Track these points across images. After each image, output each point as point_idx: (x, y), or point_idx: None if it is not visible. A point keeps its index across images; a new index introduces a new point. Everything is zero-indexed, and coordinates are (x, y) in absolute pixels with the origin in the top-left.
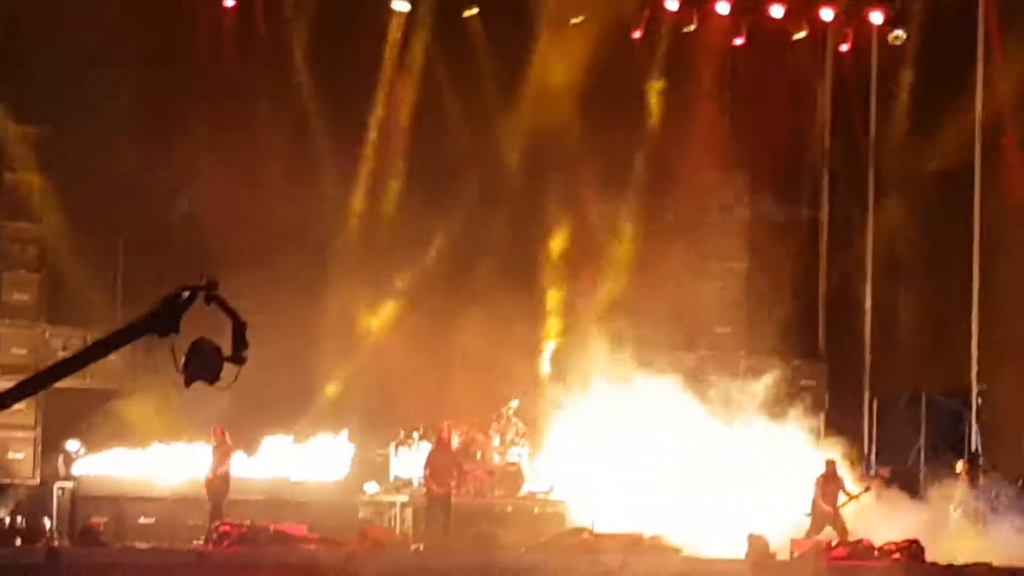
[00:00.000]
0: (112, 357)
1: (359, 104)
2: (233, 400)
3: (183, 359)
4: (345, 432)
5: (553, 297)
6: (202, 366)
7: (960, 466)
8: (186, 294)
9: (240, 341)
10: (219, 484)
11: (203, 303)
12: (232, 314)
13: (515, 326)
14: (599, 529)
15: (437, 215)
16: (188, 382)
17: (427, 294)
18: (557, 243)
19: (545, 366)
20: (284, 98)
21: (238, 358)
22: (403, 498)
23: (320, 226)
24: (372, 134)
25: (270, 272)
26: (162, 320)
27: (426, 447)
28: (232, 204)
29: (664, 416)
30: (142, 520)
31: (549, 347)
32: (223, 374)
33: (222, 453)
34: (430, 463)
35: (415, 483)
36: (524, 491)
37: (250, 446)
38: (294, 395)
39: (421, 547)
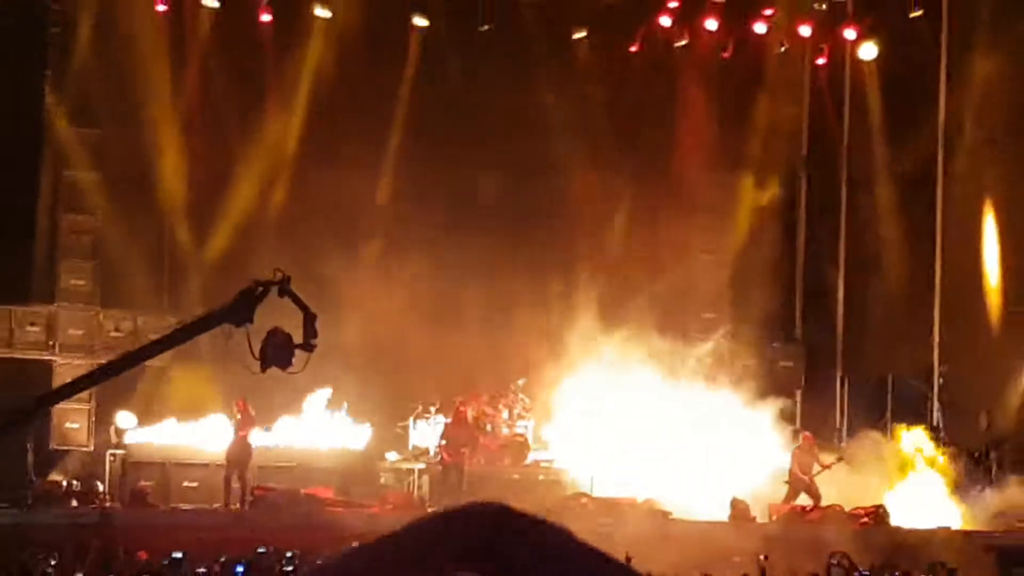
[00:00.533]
0: (159, 336)
1: (382, 108)
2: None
3: (259, 347)
4: (345, 406)
5: (553, 284)
6: (277, 354)
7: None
8: (259, 288)
9: (310, 331)
10: (241, 453)
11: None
12: (303, 306)
13: (518, 311)
14: (596, 494)
15: (449, 207)
16: (264, 368)
17: (439, 285)
18: (557, 236)
19: (546, 347)
20: (313, 103)
21: (308, 346)
22: (420, 465)
23: (341, 217)
24: (394, 138)
25: (301, 256)
26: (238, 311)
27: (442, 420)
28: (264, 195)
29: (655, 394)
30: (186, 484)
31: (549, 330)
32: (295, 360)
33: (245, 423)
34: (445, 435)
35: (431, 452)
36: (529, 460)
37: (277, 419)
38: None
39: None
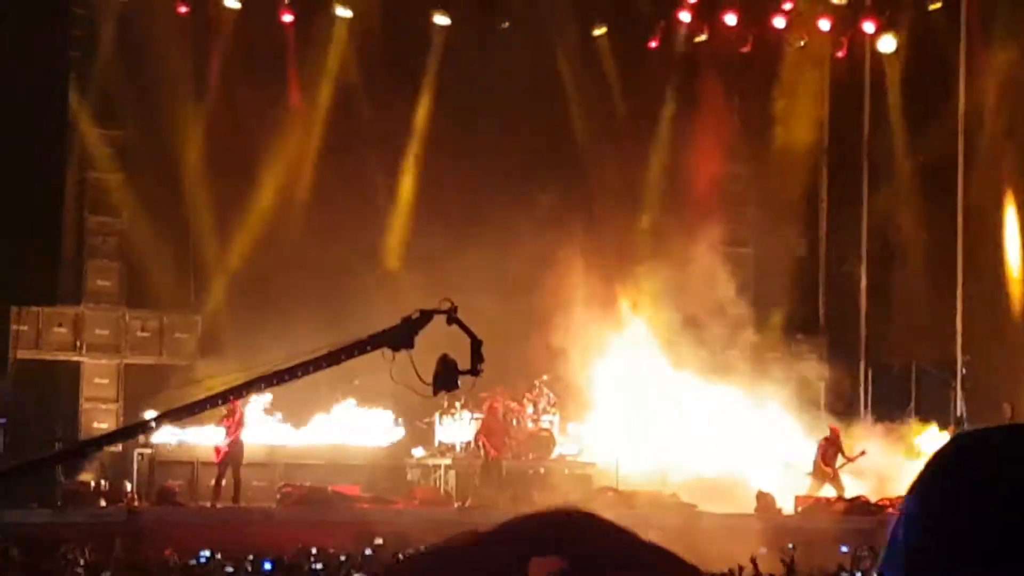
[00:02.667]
0: (185, 336)
1: (403, 106)
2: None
3: (434, 373)
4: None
5: (576, 277)
6: (446, 379)
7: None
8: (416, 315)
9: (477, 357)
10: (235, 451)
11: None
12: (471, 334)
13: (540, 306)
14: (622, 488)
15: (468, 205)
16: (436, 391)
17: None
18: (580, 233)
19: (570, 342)
20: (335, 102)
21: (475, 371)
22: (447, 461)
23: (364, 214)
24: (414, 139)
25: (325, 253)
26: (399, 336)
27: (468, 416)
28: (287, 196)
29: (681, 387)
30: (213, 483)
31: (575, 324)
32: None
33: (236, 422)
34: (487, 430)
35: (458, 448)
36: (555, 455)
37: (306, 417)
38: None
39: (466, 503)
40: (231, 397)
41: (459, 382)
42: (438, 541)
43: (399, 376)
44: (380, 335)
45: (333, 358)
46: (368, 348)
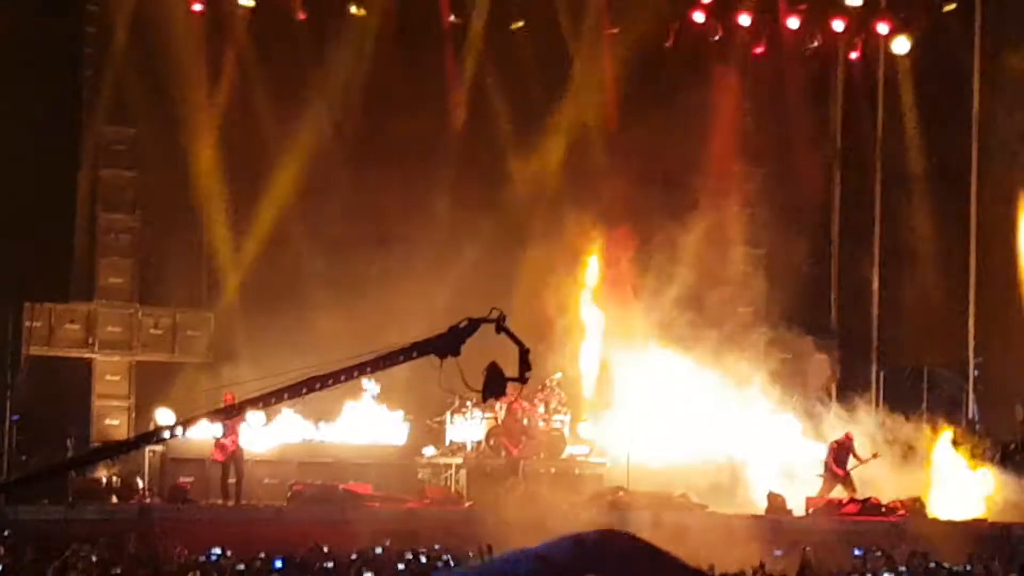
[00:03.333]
0: (197, 334)
1: (416, 105)
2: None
3: (482, 380)
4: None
5: (588, 278)
6: (495, 386)
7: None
8: (464, 323)
9: (525, 364)
10: (238, 449)
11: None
12: (519, 342)
13: (552, 305)
14: (633, 488)
15: (482, 208)
16: (485, 398)
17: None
18: (593, 233)
19: (583, 341)
20: (347, 100)
21: (522, 379)
22: (458, 460)
23: (378, 215)
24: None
25: (336, 252)
26: (446, 344)
27: (479, 415)
28: (301, 197)
29: (690, 386)
30: (220, 481)
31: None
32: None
33: (234, 419)
34: (507, 430)
35: (469, 447)
36: (566, 454)
37: (324, 415)
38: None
39: (473, 504)
40: (274, 400)
41: (506, 389)
42: (478, 553)
43: (446, 383)
44: (427, 342)
45: (379, 363)
46: (414, 354)
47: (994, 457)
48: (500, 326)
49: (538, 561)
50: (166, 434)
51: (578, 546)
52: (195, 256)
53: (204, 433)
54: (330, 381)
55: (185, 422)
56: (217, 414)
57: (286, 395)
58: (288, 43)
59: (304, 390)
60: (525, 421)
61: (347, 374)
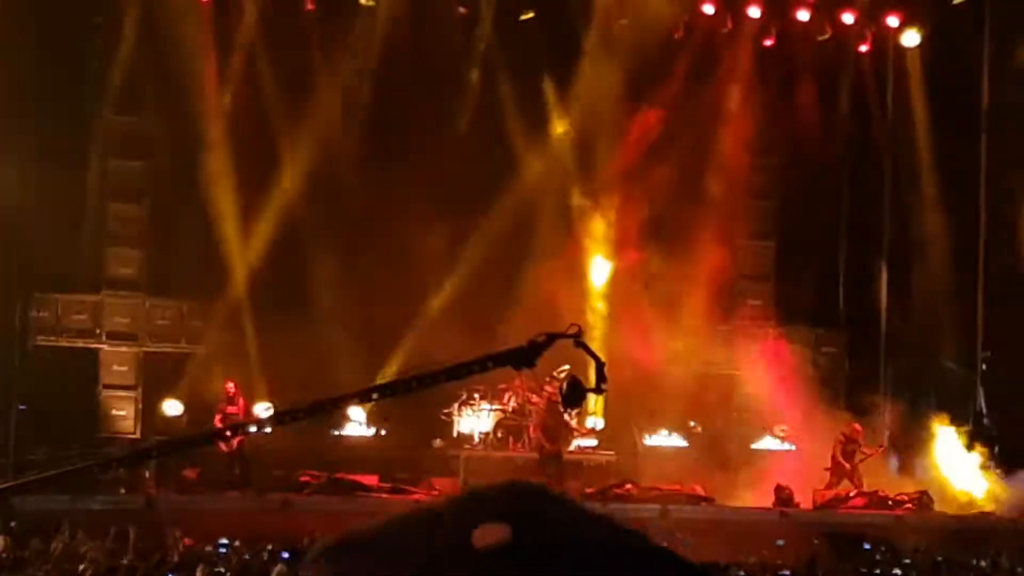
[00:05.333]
0: (204, 324)
1: (424, 99)
2: (307, 365)
3: (563, 390)
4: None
5: (596, 271)
6: (575, 396)
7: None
8: (541, 338)
9: (601, 376)
10: (243, 440)
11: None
12: (595, 357)
13: (561, 298)
14: (641, 481)
15: (491, 200)
16: (565, 409)
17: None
18: (600, 225)
19: (590, 331)
20: (357, 92)
21: (599, 390)
22: (465, 452)
23: (389, 205)
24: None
25: (348, 244)
26: (523, 356)
27: (487, 407)
28: (313, 186)
29: (698, 380)
30: (227, 472)
31: (593, 315)
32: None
33: (240, 410)
34: (542, 424)
35: (476, 439)
36: (573, 447)
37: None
38: (362, 357)
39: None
40: (335, 406)
41: (584, 400)
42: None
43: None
44: (504, 354)
45: (454, 373)
46: (490, 366)
47: (1001, 451)
48: (578, 341)
49: (437, 512)
50: (253, 428)
51: (474, 498)
52: (203, 247)
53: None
54: (400, 389)
55: (279, 415)
56: (312, 409)
57: (357, 400)
58: (297, 34)
59: (375, 395)
60: (533, 415)
61: (419, 382)
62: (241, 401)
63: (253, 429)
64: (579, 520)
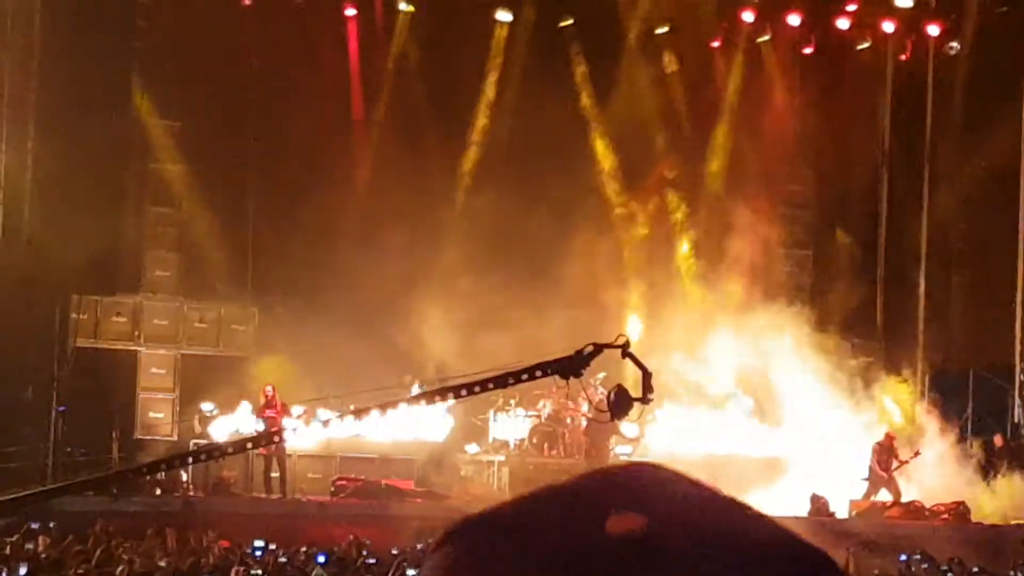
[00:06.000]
0: (242, 328)
1: (464, 106)
2: (339, 370)
3: (610, 399)
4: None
5: (633, 278)
6: (622, 406)
7: (998, 440)
8: (589, 349)
9: (647, 386)
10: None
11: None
12: (642, 366)
13: (600, 298)
14: None
15: (529, 203)
16: (613, 418)
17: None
18: (640, 229)
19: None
20: (396, 96)
21: (645, 399)
22: (500, 458)
23: (424, 209)
24: (475, 135)
25: (379, 245)
26: (571, 366)
27: (522, 413)
28: (347, 189)
29: (736, 387)
30: (272, 474)
31: (631, 320)
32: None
33: (279, 413)
34: (588, 432)
35: (511, 445)
36: (613, 453)
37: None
38: (394, 361)
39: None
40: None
41: (631, 409)
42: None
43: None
44: (552, 363)
45: (502, 381)
46: (538, 374)
47: None
48: (625, 352)
49: (568, 496)
50: (297, 431)
51: (607, 479)
52: (240, 250)
53: (249, 427)
54: (451, 394)
55: (356, 412)
56: (357, 414)
57: (405, 404)
58: (335, 36)
59: (423, 402)
60: (569, 420)
61: (468, 389)
62: (279, 404)
63: (296, 432)
64: (715, 506)
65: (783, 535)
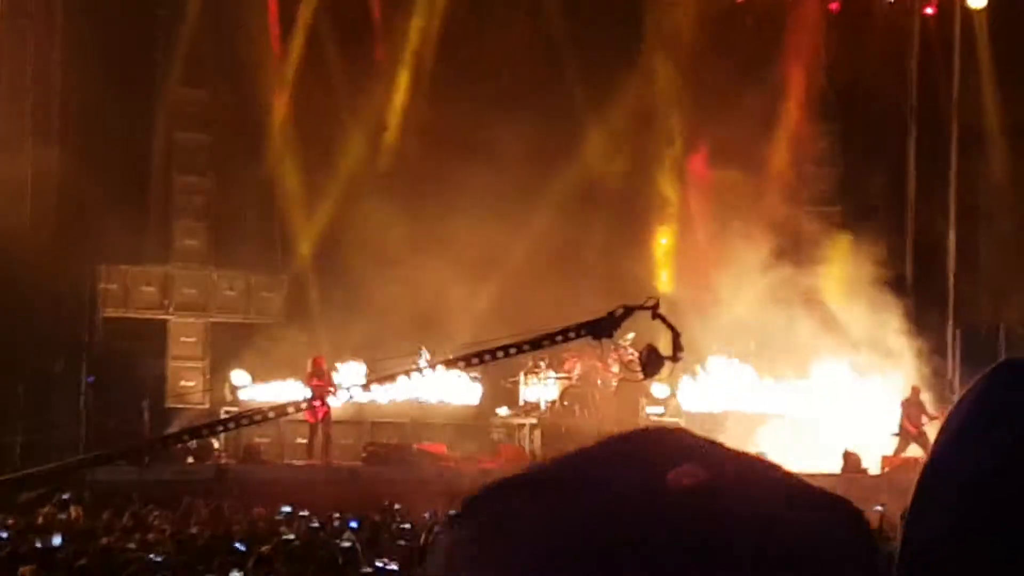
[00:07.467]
0: (271, 295)
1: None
2: (367, 333)
3: (642, 359)
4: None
5: (661, 244)
6: (653, 364)
7: None
8: (619, 310)
9: (677, 345)
10: (328, 411)
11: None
12: (672, 327)
13: (627, 272)
14: None
15: (555, 168)
16: (645, 376)
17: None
18: (666, 195)
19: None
20: (420, 65)
21: (676, 358)
22: (532, 421)
23: (456, 177)
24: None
25: (409, 217)
26: (603, 327)
27: (552, 375)
28: (373, 156)
29: (769, 345)
30: (299, 440)
31: (660, 286)
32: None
33: (326, 382)
34: (619, 392)
35: (542, 407)
36: (644, 414)
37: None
38: (425, 326)
39: None
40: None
41: (662, 367)
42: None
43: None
44: (585, 325)
45: (537, 343)
46: (572, 336)
47: None
48: (655, 312)
49: (607, 455)
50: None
51: (623, 442)
52: (268, 218)
53: (278, 394)
54: (487, 357)
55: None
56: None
57: (443, 367)
58: (361, 5)
59: (462, 364)
60: (599, 382)
61: (504, 351)
62: (327, 373)
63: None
64: (749, 462)
65: (815, 487)
